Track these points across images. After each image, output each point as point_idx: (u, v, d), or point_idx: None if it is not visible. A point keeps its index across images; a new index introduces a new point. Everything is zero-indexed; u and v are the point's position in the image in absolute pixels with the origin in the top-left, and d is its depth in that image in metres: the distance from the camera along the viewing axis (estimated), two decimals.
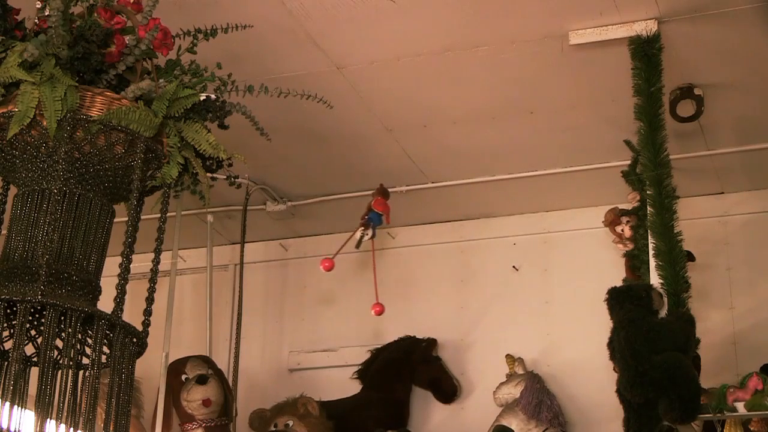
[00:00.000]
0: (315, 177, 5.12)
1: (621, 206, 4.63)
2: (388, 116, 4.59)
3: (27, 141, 2.91)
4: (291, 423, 4.83)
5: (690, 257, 4.04)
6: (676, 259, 3.69)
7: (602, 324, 3.71)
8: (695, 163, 4.69)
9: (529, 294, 5.18)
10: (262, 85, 3.30)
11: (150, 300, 3.00)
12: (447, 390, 5.04)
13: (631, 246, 4.45)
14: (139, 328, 2.97)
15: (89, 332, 2.88)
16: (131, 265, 2.96)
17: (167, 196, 3.15)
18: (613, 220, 4.63)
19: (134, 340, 2.96)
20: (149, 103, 3.00)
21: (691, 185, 4.78)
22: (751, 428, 4.00)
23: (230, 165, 3.20)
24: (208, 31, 3.33)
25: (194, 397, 4.83)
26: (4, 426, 2.69)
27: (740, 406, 3.65)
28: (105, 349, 2.88)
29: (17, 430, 2.71)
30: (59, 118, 2.86)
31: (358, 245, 4.92)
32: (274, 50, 4.13)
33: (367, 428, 4.91)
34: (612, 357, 3.65)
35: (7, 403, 2.70)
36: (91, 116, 2.91)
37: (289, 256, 5.67)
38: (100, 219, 2.99)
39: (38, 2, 3.02)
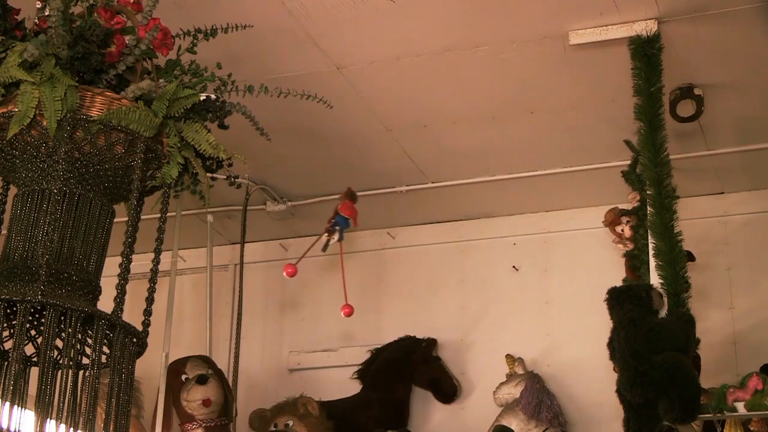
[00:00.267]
0: (315, 177, 5.12)
1: (621, 206, 4.63)
2: (388, 116, 4.59)
3: (27, 141, 2.91)
4: (291, 423, 4.83)
5: (690, 257, 4.04)
6: (676, 259, 3.69)
7: (602, 324, 3.71)
8: (695, 163, 4.69)
9: (529, 294, 5.18)
10: (262, 85, 3.30)
11: (150, 300, 3.01)
12: (447, 390, 5.04)
13: (631, 246, 4.45)
14: (139, 328, 2.97)
15: (89, 332, 2.88)
16: (131, 265, 2.96)
17: (167, 196, 3.15)
18: (613, 220, 4.63)
19: (134, 340, 2.96)
20: (149, 103, 3.00)
21: (691, 185, 4.78)
22: (751, 428, 4.00)
23: (230, 165, 3.20)
24: (208, 31, 3.33)
25: (194, 397, 4.83)
26: (4, 426, 2.69)
27: (740, 406, 3.65)
28: (105, 349, 2.88)
29: (17, 430, 2.71)
30: (59, 118, 2.86)
31: (324, 248, 4.96)
32: (274, 50, 4.13)
33: (367, 428, 4.91)
34: (612, 357, 3.65)
35: (7, 403, 2.70)
36: (91, 116, 2.92)
37: (289, 256, 5.66)
38: (100, 219, 3.00)
39: (38, 2, 3.02)
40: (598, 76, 4.21)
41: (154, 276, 3.06)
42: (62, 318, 2.83)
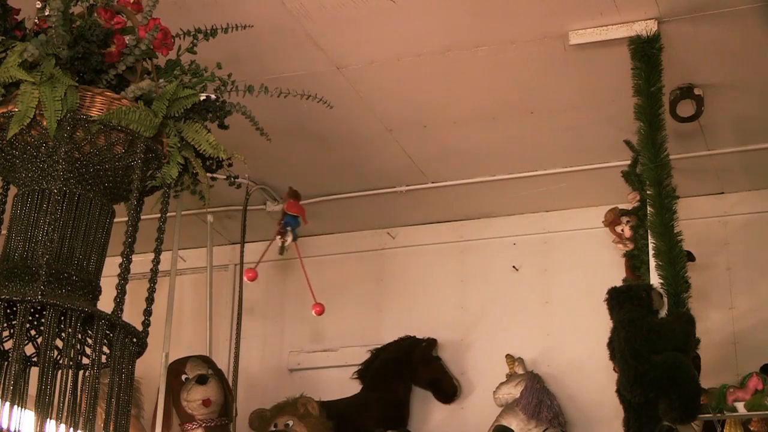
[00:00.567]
0: (315, 177, 5.12)
1: (621, 206, 4.63)
2: (388, 116, 4.59)
3: (27, 141, 2.91)
4: (291, 423, 4.83)
5: (690, 257, 4.04)
6: (676, 259, 3.69)
7: (602, 324, 3.71)
8: (695, 163, 4.69)
9: (529, 294, 5.18)
10: (262, 85, 3.30)
11: (150, 300, 3.00)
12: (447, 390, 5.04)
13: (631, 246, 4.45)
14: (139, 328, 2.97)
15: (89, 332, 2.88)
16: (131, 265, 2.96)
17: (167, 196, 3.15)
18: (613, 220, 4.63)
19: (134, 340, 2.96)
20: (149, 103, 3.00)
21: (691, 185, 4.78)
22: (751, 428, 4.00)
23: (230, 165, 3.20)
24: (208, 31, 3.33)
25: (194, 397, 4.83)
26: (4, 426, 2.69)
27: (740, 406, 3.65)
28: (105, 349, 2.88)
29: (17, 430, 2.71)
30: (59, 118, 2.86)
31: (281, 251, 4.97)
32: (274, 50, 4.13)
33: (367, 428, 4.91)
34: (612, 357, 3.65)
35: (7, 403, 2.70)
36: (91, 116, 2.91)
37: (289, 256, 5.65)
38: (100, 219, 2.99)
39: (38, 2, 3.02)
40: (598, 76, 4.21)
41: (154, 276, 3.06)
42: (62, 318, 2.82)
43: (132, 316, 3.00)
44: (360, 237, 5.54)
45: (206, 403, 4.81)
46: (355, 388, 5.17)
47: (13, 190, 3.07)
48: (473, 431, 4.87)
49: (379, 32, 4.03)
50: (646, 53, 3.88)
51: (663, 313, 3.64)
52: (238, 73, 3.37)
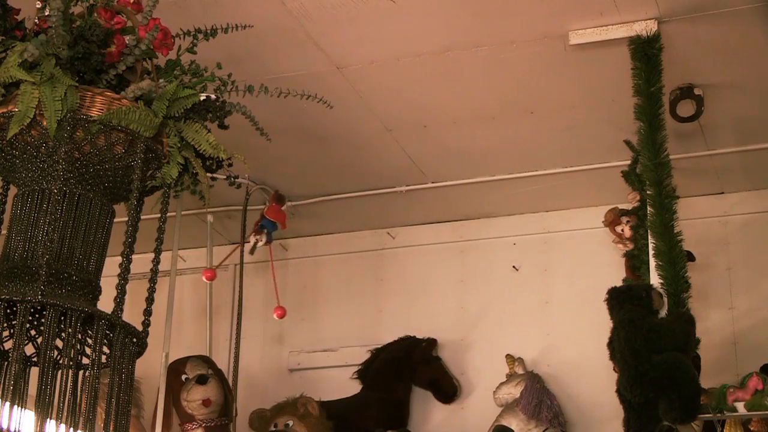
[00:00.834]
0: (315, 177, 5.12)
1: (621, 206, 4.63)
2: (388, 116, 4.59)
3: (27, 141, 2.91)
4: (291, 423, 4.83)
5: (690, 257, 4.04)
6: (676, 259, 3.70)
7: (602, 324, 3.71)
8: (695, 163, 4.69)
9: (529, 294, 5.18)
10: (262, 85, 3.30)
11: (150, 300, 3.00)
12: (447, 390, 5.04)
13: (631, 246, 4.45)
14: (139, 328, 2.97)
15: (89, 332, 2.88)
16: (131, 265, 2.95)
17: (167, 196, 3.15)
18: (613, 220, 4.64)
19: (134, 340, 2.95)
20: (149, 103, 3.00)
21: (691, 185, 4.78)
22: (751, 428, 4.00)
23: (230, 165, 3.20)
24: (208, 31, 3.33)
25: (194, 397, 4.83)
26: (4, 426, 2.69)
27: (740, 406, 3.65)
28: (105, 349, 2.88)
29: (17, 430, 2.71)
30: (59, 118, 2.86)
31: (252, 251, 4.96)
32: (274, 50, 4.13)
33: (367, 428, 4.91)
34: (612, 357, 3.65)
35: (7, 403, 2.70)
36: (91, 116, 2.91)
37: (289, 256, 5.67)
38: (100, 219, 2.99)
39: (38, 2, 3.02)
40: (598, 76, 4.22)
41: (154, 276, 3.06)
42: (62, 318, 2.82)
43: (132, 316, 3.00)
44: (360, 237, 5.55)
45: (206, 403, 4.81)
46: (355, 388, 5.17)
47: (13, 190, 3.07)
48: (473, 431, 4.87)
49: (379, 32, 4.03)
50: (646, 53, 3.88)
51: (663, 313, 3.64)
52: (238, 73, 3.37)
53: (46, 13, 2.90)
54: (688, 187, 4.57)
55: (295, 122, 4.56)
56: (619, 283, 3.88)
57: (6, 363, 2.85)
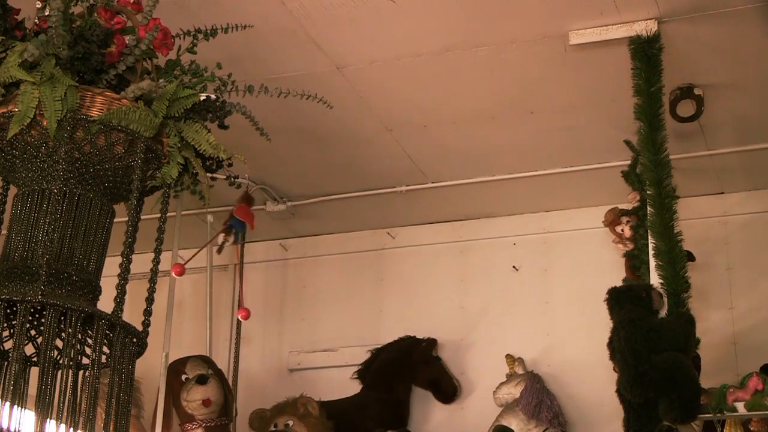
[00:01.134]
0: (315, 177, 5.12)
1: (621, 206, 4.63)
2: (388, 116, 4.59)
3: (27, 141, 2.91)
4: (291, 423, 4.83)
5: (690, 257, 4.04)
6: (676, 259, 3.69)
7: (602, 324, 3.71)
8: (695, 163, 4.69)
9: (529, 294, 5.19)
10: (262, 85, 3.30)
11: (150, 300, 3.00)
12: (447, 390, 5.04)
13: (631, 246, 4.45)
14: (139, 328, 2.97)
15: (89, 332, 2.88)
16: (131, 265, 2.95)
17: (167, 196, 3.15)
18: (613, 220, 4.64)
19: (134, 340, 2.95)
20: (149, 103, 3.00)
21: (691, 185, 4.78)
22: (751, 428, 4.00)
23: (230, 165, 3.20)
24: (208, 31, 3.33)
25: (194, 397, 4.83)
26: (4, 426, 2.69)
27: (740, 406, 3.65)
28: (105, 349, 2.88)
29: (17, 430, 2.71)
30: (59, 118, 2.86)
31: (219, 250, 4.96)
32: (274, 50, 4.13)
33: (367, 428, 4.91)
34: (612, 357, 3.65)
35: (7, 403, 2.70)
36: (91, 116, 2.91)
37: (289, 256, 5.67)
38: (100, 219, 2.99)
39: (38, 2, 3.02)
40: (598, 76, 4.22)
41: (154, 276, 3.06)
42: (62, 318, 2.82)
43: (132, 316, 3.00)
44: (360, 237, 5.55)
45: (206, 403, 4.81)
46: (355, 388, 5.17)
47: (13, 190, 3.07)
48: (473, 431, 4.87)
49: (379, 32, 4.03)
50: (646, 53, 3.88)
51: (663, 313, 3.64)
52: (238, 73, 3.37)
53: (46, 13, 2.90)
54: (688, 187, 4.57)
55: (295, 122, 4.56)
56: (619, 283, 3.88)
57: (6, 363, 2.85)
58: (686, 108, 4.24)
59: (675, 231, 3.73)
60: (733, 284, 4.86)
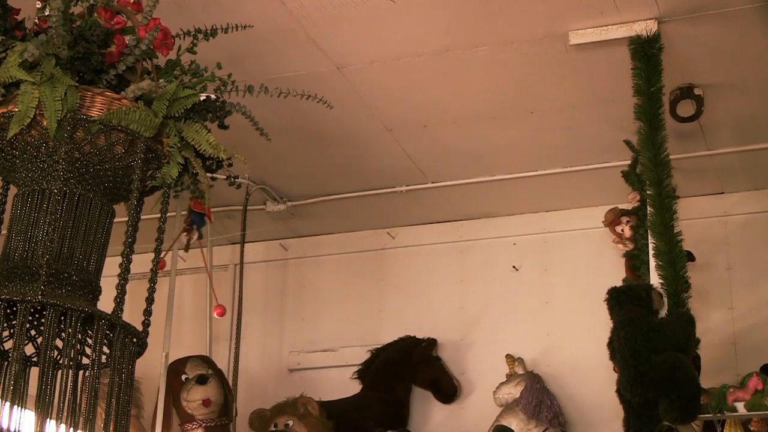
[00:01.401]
0: (315, 177, 5.12)
1: (621, 206, 4.63)
2: (388, 116, 4.59)
3: (27, 141, 2.91)
4: (291, 423, 4.83)
5: (690, 257, 4.04)
6: (676, 259, 3.69)
7: (602, 324, 3.71)
8: (695, 163, 4.69)
9: (529, 294, 5.18)
10: (262, 85, 3.30)
11: (150, 300, 3.00)
12: (447, 390, 5.04)
13: (631, 246, 4.45)
14: (139, 328, 2.97)
15: (89, 332, 2.88)
16: (131, 265, 2.95)
17: (167, 196, 3.15)
18: (613, 220, 4.64)
19: (134, 340, 2.95)
20: (149, 103, 3.00)
21: (691, 185, 4.78)
22: (751, 428, 4.00)
23: (230, 165, 3.20)
24: (208, 31, 3.33)
25: (194, 397, 4.83)
26: (4, 426, 2.69)
27: (740, 406, 3.65)
28: (105, 349, 2.88)
29: (17, 430, 2.71)
30: (59, 118, 2.86)
31: (186, 249, 4.95)
32: (274, 50, 4.13)
33: (367, 428, 4.91)
34: (612, 357, 3.65)
35: (7, 403, 2.70)
36: (91, 116, 2.91)
37: (289, 256, 5.67)
38: (100, 219, 2.99)
39: (38, 2, 3.02)
40: (598, 76, 4.22)
41: (154, 276, 3.06)
42: (62, 318, 2.82)
43: (132, 316, 3.00)
44: (360, 237, 5.55)
45: (206, 403, 4.81)
46: (355, 388, 5.17)
47: (13, 190, 3.07)
48: (473, 431, 4.87)
49: (379, 32, 4.03)
50: (646, 53, 3.88)
51: (663, 313, 3.64)
52: (238, 73, 3.37)
53: (46, 13, 2.90)
54: (688, 187, 4.57)
55: (295, 122, 4.56)
56: (619, 283, 3.88)
57: (6, 363, 2.85)
58: (686, 108, 4.24)
59: (675, 231, 3.73)
60: (733, 284, 4.86)
